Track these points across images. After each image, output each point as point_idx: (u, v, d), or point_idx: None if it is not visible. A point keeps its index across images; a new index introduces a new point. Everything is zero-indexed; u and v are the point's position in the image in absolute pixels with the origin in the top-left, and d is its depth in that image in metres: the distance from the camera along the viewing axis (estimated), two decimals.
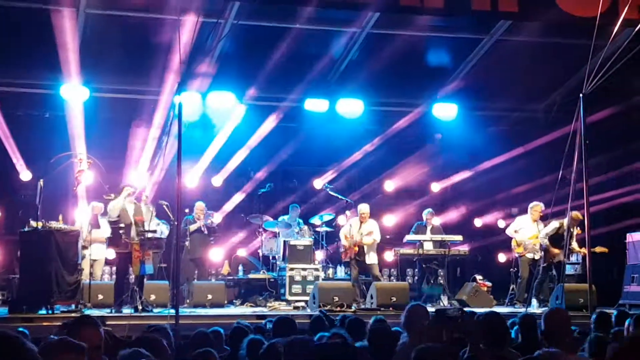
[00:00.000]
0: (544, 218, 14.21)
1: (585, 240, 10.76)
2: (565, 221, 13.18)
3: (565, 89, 17.39)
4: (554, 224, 13.77)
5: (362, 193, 17.59)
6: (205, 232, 14.91)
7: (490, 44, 15.87)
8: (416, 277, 16.43)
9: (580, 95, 9.45)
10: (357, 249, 14.35)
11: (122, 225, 12.16)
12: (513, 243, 14.62)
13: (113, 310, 11.88)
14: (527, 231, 14.39)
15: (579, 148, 9.57)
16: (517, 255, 14.62)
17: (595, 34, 9.29)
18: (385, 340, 6.02)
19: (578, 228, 13.52)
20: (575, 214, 12.65)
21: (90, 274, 13.01)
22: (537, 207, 14.37)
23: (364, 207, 14.73)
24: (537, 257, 14.25)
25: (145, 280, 12.49)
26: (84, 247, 12.80)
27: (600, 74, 9.31)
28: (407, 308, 6.01)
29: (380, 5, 12.53)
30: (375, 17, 14.61)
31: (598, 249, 13.37)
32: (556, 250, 13.77)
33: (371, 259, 14.52)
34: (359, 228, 14.55)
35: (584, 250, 12.92)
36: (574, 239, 13.81)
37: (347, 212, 15.28)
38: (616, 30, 9.91)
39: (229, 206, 16.91)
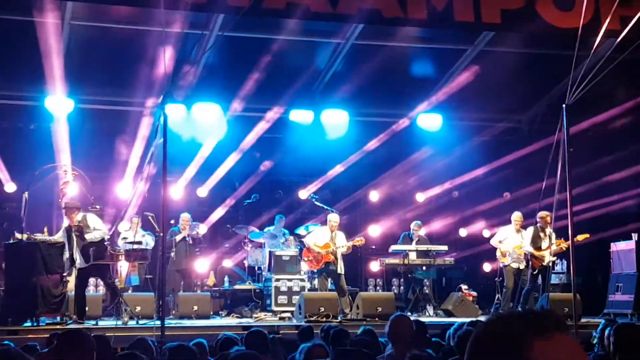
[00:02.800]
0: (527, 227, 14.28)
1: (562, 233, 10.77)
2: (539, 225, 13.50)
3: (548, 99, 17.50)
4: (530, 231, 13.93)
5: (347, 203, 17.61)
6: (191, 242, 14.89)
7: (474, 54, 15.97)
8: (402, 287, 16.48)
9: (564, 105, 9.48)
10: (332, 257, 13.99)
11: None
12: (498, 253, 14.65)
13: (98, 322, 11.86)
14: (511, 241, 14.43)
15: (562, 158, 9.61)
16: (502, 265, 14.66)
17: (577, 45, 9.34)
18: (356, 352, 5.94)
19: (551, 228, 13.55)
20: (542, 213, 12.87)
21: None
22: (518, 217, 14.44)
23: (336, 217, 14.37)
24: (522, 266, 14.28)
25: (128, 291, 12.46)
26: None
27: (583, 85, 9.34)
28: (391, 319, 5.97)
29: (364, 17, 12.60)
30: (360, 28, 14.68)
31: (580, 237, 13.17)
32: (540, 253, 13.81)
33: (342, 268, 14.09)
34: (332, 237, 14.12)
35: (564, 244, 13.04)
36: (553, 236, 13.77)
37: None
38: (598, 40, 9.97)
39: (214, 217, 16.90)
